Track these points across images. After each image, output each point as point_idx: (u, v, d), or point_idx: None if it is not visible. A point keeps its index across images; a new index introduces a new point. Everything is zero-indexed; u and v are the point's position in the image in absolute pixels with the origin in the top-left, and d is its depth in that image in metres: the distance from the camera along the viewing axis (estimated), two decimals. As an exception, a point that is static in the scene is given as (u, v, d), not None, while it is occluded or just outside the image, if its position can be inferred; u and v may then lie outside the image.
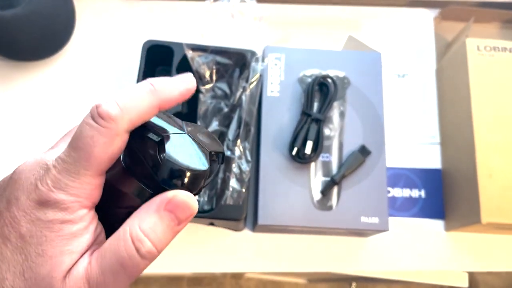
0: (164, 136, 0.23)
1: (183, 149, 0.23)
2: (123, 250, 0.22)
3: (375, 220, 0.51)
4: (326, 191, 0.51)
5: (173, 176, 0.22)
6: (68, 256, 0.23)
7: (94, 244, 0.24)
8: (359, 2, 0.69)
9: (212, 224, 0.56)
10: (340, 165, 0.53)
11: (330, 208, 0.51)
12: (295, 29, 0.67)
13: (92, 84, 0.63)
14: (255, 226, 0.54)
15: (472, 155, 0.53)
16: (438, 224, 0.59)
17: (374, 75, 0.57)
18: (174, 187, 0.23)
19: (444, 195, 0.60)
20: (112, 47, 0.65)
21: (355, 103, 0.56)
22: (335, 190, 0.52)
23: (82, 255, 0.23)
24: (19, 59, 0.61)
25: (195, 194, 0.23)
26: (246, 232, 0.58)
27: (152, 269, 0.55)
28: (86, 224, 0.23)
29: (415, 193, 0.61)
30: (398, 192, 0.61)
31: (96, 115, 0.22)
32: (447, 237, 0.59)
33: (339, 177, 0.52)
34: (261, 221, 0.51)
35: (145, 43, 0.56)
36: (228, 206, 0.50)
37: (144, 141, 0.23)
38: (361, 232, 0.54)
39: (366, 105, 0.55)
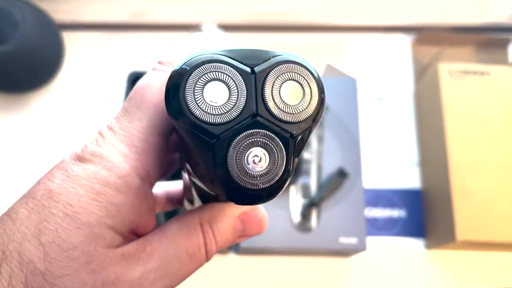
0: None
1: None
2: (194, 238, 0.20)
3: (353, 240, 0.52)
4: (305, 213, 0.53)
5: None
6: (107, 231, 0.18)
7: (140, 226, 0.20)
8: (337, 29, 0.72)
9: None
10: (319, 188, 0.55)
11: (310, 229, 0.53)
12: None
13: (79, 115, 0.65)
14: (238, 248, 0.55)
15: (446, 175, 0.55)
16: (419, 243, 0.61)
17: (350, 100, 0.59)
18: None
19: (425, 214, 0.62)
20: (99, 79, 0.68)
21: (332, 127, 0.58)
22: (314, 212, 0.54)
23: (126, 237, 0.19)
24: (6, 90, 0.63)
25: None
26: (231, 256, 0.59)
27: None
28: (133, 199, 0.19)
29: (395, 213, 0.62)
30: (379, 213, 0.62)
31: (156, 63, 0.21)
32: (428, 256, 0.60)
33: (318, 200, 0.53)
34: (243, 243, 0.52)
35: (130, 75, 0.59)
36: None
37: None
38: (341, 252, 0.55)
39: (344, 129, 0.57)
